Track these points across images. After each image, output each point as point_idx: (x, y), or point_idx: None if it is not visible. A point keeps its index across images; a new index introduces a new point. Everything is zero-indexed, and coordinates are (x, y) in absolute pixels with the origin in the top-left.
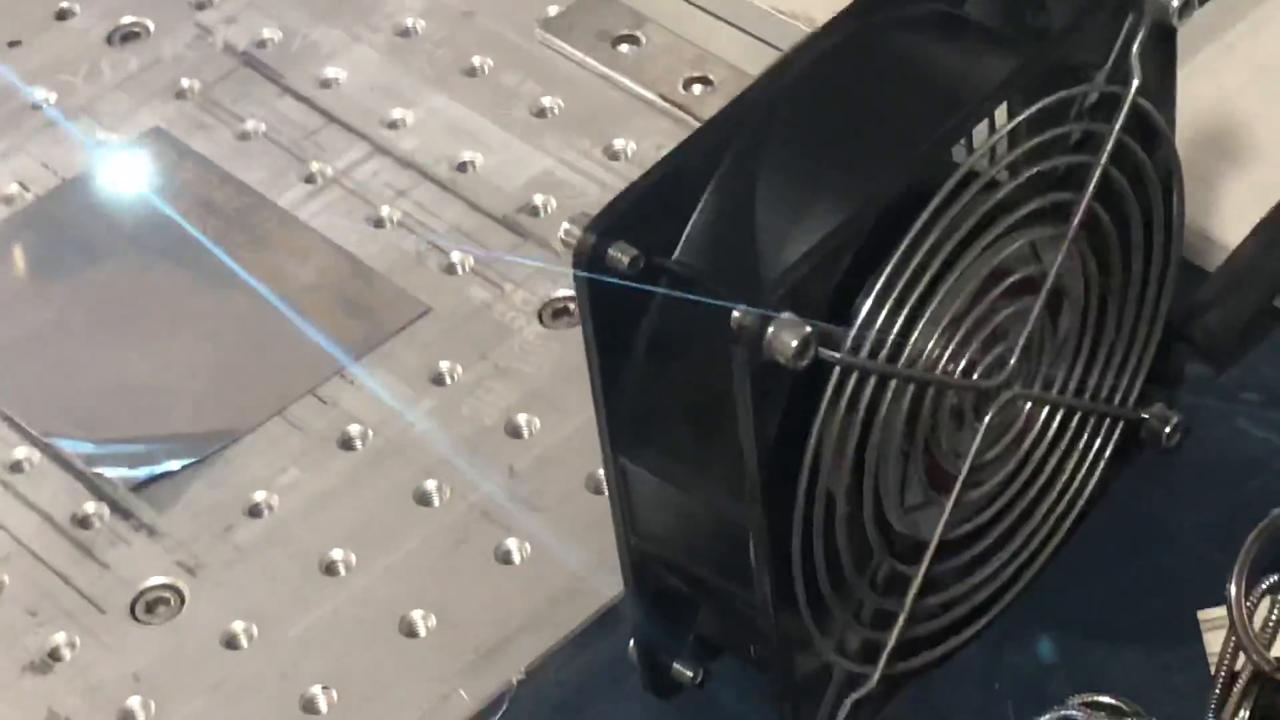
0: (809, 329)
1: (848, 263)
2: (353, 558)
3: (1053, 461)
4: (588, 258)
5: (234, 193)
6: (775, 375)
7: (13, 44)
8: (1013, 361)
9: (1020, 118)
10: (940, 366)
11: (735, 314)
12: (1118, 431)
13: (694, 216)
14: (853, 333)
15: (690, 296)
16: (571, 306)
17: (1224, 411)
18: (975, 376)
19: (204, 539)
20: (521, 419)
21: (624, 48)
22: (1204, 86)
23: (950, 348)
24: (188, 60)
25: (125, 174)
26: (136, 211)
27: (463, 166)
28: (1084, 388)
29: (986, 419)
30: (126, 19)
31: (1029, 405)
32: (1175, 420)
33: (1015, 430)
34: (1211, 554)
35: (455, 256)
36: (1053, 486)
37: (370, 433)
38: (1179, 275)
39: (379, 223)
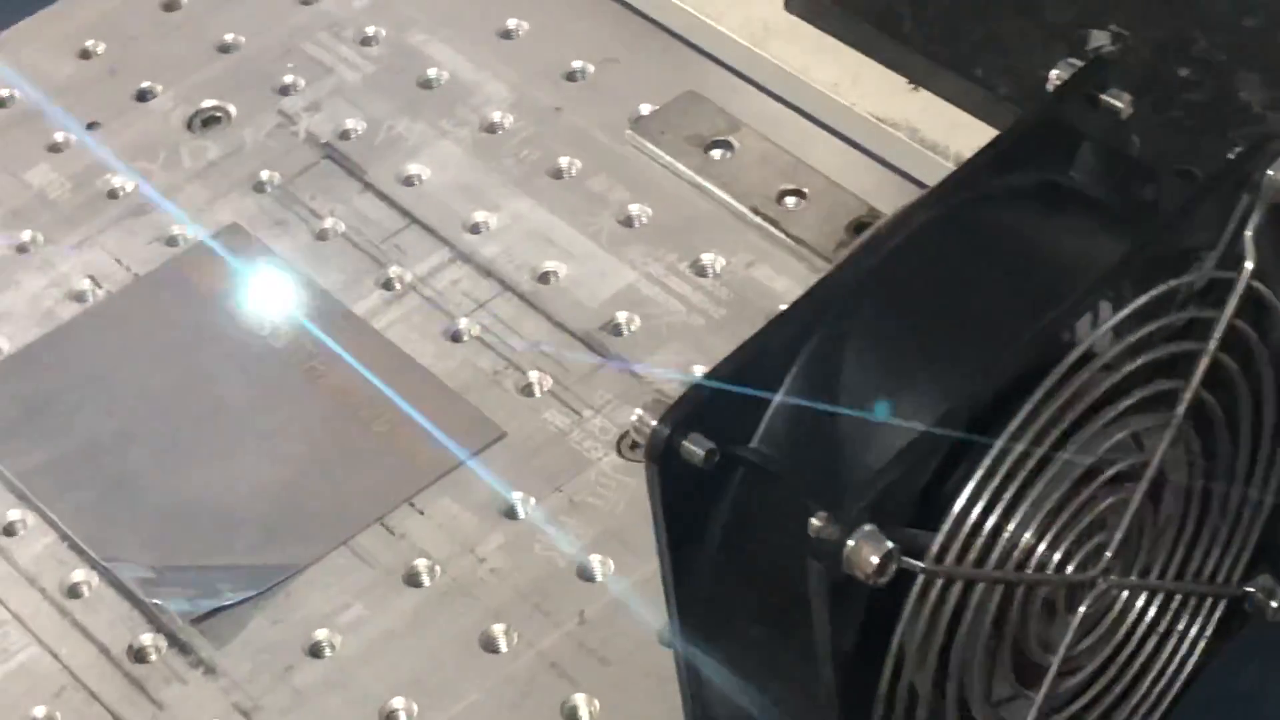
0: (891, 545)
1: (936, 463)
2: (414, 707)
3: (1149, 646)
4: (661, 451)
5: (309, 298)
6: (854, 585)
7: (91, 125)
8: (1109, 553)
9: (1127, 310)
10: (1032, 563)
11: (814, 521)
12: (1219, 610)
13: (774, 403)
14: (940, 539)
15: (766, 493)
16: None
17: None
18: (1069, 569)
19: (262, 679)
20: (595, 560)
21: (716, 153)
22: None
23: (1043, 544)
24: (268, 150)
25: (199, 274)
26: (208, 316)
27: (545, 277)
28: (1185, 570)
29: (1080, 611)
30: (208, 102)
31: (1125, 592)
32: None
33: (1110, 618)
34: None
35: (533, 376)
36: (1149, 671)
37: (438, 569)
38: None
39: (456, 336)
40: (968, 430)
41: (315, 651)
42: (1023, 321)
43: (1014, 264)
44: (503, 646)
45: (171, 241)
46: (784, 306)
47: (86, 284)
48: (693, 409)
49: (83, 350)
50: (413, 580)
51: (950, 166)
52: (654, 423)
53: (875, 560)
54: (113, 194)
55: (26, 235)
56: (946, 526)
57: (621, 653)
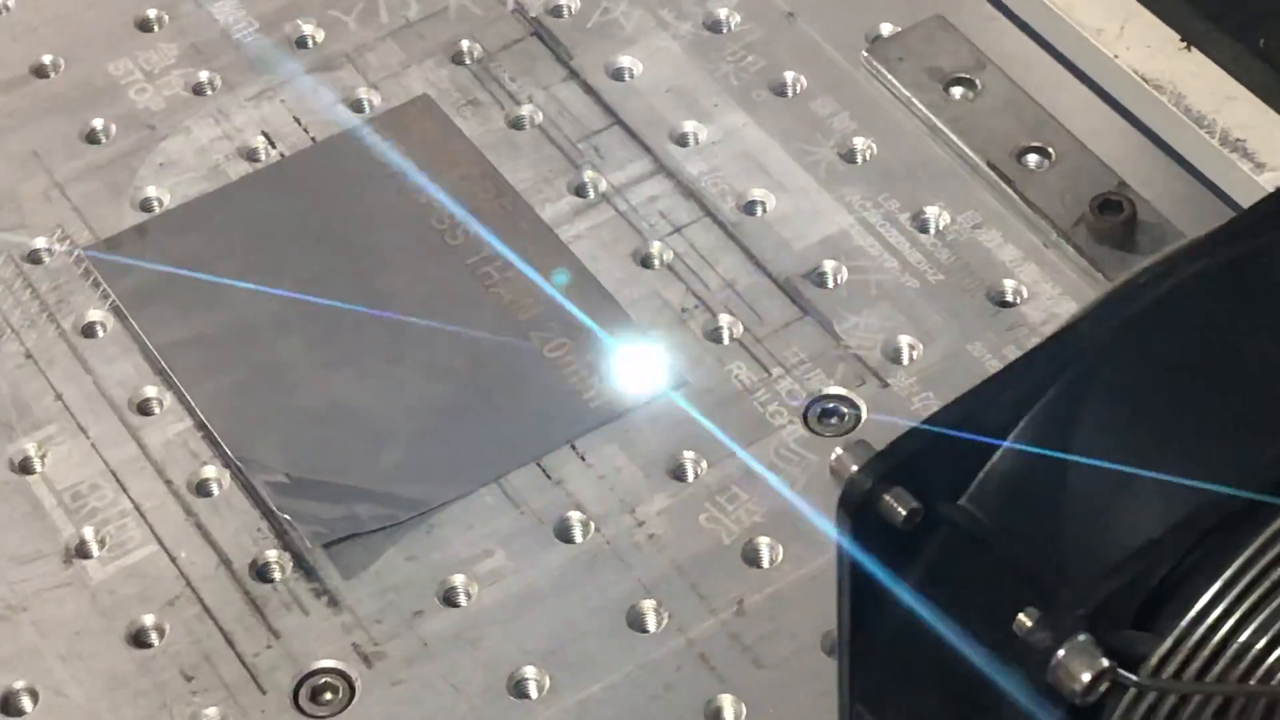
0: (1105, 664)
1: (1168, 569)
2: (547, 680)
3: None
4: (858, 502)
5: (494, 192)
6: (1055, 693)
7: None
8: None
9: None
10: (1259, 674)
11: (1022, 619)
12: None
13: (993, 460)
14: (1162, 651)
15: (971, 562)
16: (844, 409)
17: None
18: None
19: (389, 621)
20: (763, 544)
21: (956, 91)
22: None
23: (1276, 653)
24: (472, 17)
25: (381, 148)
26: (385, 196)
27: (750, 207)
28: None
29: None
30: None
31: None
32: None
33: None
34: None
35: (723, 320)
36: None
37: (593, 526)
38: None
39: (646, 261)
40: (1214, 529)
41: (449, 599)
42: None
43: None
44: (651, 626)
45: (356, 106)
46: (1008, 282)
47: (260, 141)
48: (900, 460)
49: (246, 216)
50: (564, 534)
51: (1215, 145)
52: (855, 468)
53: (1086, 678)
54: (301, 42)
55: (204, 76)
56: (1174, 636)
57: (778, 656)
